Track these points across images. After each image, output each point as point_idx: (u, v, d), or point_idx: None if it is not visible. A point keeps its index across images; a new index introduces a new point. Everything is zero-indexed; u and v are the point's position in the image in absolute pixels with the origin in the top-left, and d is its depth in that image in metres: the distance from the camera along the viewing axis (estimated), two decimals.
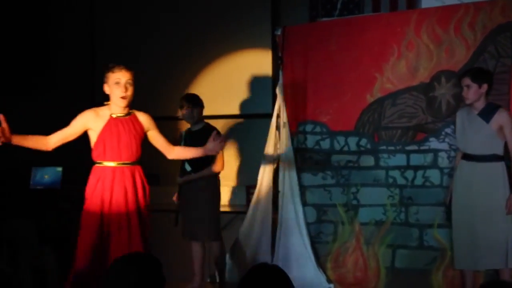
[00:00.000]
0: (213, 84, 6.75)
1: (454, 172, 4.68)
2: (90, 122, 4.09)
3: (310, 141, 5.47)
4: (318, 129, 5.47)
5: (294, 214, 5.36)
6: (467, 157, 4.55)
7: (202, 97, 5.37)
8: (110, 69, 4.10)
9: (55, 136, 4.07)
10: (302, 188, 5.43)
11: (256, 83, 6.66)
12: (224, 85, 6.76)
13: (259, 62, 6.61)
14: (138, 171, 4.17)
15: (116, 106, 4.12)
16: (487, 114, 4.50)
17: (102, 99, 4.20)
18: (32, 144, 3.99)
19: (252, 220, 5.48)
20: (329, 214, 5.34)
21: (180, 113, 5.35)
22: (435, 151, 4.96)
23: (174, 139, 4.96)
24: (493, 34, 4.90)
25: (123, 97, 4.07)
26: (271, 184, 5.50)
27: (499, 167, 4.47)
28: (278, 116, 5.55)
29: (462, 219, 4.53)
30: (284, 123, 5.52)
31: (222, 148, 4.50)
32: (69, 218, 5.44)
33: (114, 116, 4.11)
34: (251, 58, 6.66)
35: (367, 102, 5.30)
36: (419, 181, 5.06)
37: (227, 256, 5.46)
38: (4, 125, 3.77)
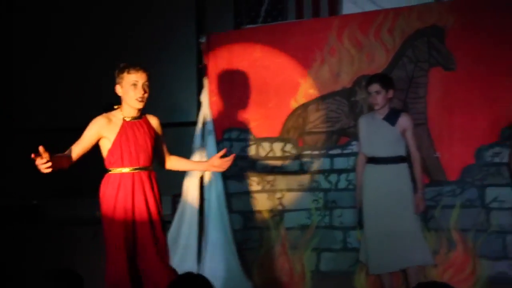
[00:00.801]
0: None
1: (362, 177, 4.74)
2: (103, 130, 3.89)
3: (236, 148, 5.45)
4: (243, 136, 5.47)
5: (220, 221, 5.33)
6: (374, 160, 4.68)
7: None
8: (124, 69, 3.91)
9: (74, 152, 3.84)
10: (228, 195, 5.40)
11: (180, 91, 6.63)
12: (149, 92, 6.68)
13: (183, 69, 6.58)
14: (154, 176, 4.01)
15: (132, 108, 3.93)
16: (391, 118, 4.65)
17: None
18: (65, 164, 3.77)
19: (178, 228, 5.42)
20: (255, 221, 5.34)
21: None
22: (358, 154, 5.00)
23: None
24: (411, 39, 5.02)
25: (141, 100, 3.90)
26: (197, 192, 5.46)
27: (405, 168, 4.63)
28: (203, 123, 5.53)
29: (375, 222, 4.63)
30: (210, 130, 5.50)
31: (228, 167, 4.22)
32: None
33: (127, 119, 3.94)
34: (176, 66, 6.63)
35: (291, 107, 5.34)
36: (342, 184, 5.12)
37: None
38: (46, 154, 3.50)
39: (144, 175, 3.93)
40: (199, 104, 5.70)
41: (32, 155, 3.46)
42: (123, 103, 3.97)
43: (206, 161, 4.22)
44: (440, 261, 4.77)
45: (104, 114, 3.96)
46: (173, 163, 4.25)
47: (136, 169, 3.91)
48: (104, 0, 6.95)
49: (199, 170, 4.25)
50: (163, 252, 3.95)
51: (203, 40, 5.62)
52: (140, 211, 3.90)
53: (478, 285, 4.67)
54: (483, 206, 4.71)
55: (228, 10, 6.51)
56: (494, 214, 4.67)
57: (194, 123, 5.62)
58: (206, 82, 5.60)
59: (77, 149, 3.87)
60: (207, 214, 5.40)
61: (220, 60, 5.56)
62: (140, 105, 3.94)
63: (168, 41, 6.62)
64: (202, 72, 5.68)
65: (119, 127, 3.91)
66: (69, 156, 3.82)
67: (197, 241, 5.39)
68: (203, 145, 5.49)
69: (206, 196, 5.42)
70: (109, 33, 6.84)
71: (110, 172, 3.94)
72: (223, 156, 4.15)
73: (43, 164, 3.49)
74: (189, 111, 6.40)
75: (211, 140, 5.47)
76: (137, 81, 3.89)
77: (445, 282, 2.74)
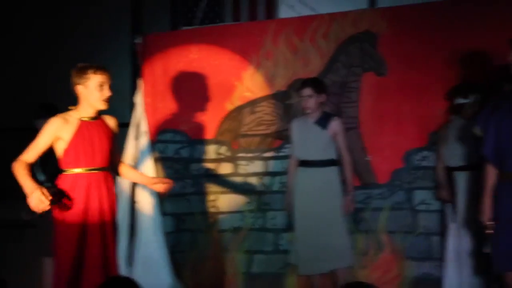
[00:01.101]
0: (71, 92, 6.54)
1: (294, 180, 4.79)
2: (59, 131, 3.85)
3: (170, 150, 5.42)
4: (178, 137, 5.44)
5: (152, 224, 5.26)
6: (305, 163, 4.73)
7: (59, 106, 5.19)
8: (88, 69, 3.89)
9: (29, 156, 3.83)
10: (161, 198, 5.33)
11: (114, 92, 6.52)
12: None
13: (118, 70, 6.46)
14: (110, 178, 3.98)
15: (91, 109, 3.90)
16: (323, 122, 4.72)
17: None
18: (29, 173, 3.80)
19: None
20: (187, 223, 5.31)
21: (36, 124, 5.14)
22: None
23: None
24: (345, 44, 5.09)
25: (107, 101, 3.90)
26: (129, 194, 5.38)
27: (335, 171, 4.71)
28: (137, 125, 5.46)
29: (305, 224, 4.68)
30: (144, 132, 5.44)
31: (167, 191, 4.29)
32: None
33: (84, 119, 3.90)
34: (110, 66, 6.50)
35: (226, 110, 5.34)
36: (276, 186, 5.14)
37: None
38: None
39: (100, 176, 3.90)
40: (133, 105, 5.64)
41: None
42: (83, 103, 3.93)
43: (150, 178, 4.35)
44: (368, 262, 4.86)
45: (59, 115, 3.92)
46: (124, 170, 4.24)
47: (91, 169, 3.88)
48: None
49: (142, 183, 4.28)
50: (110, 258, 3.90)
51: (138, 40, 5.55)
52: (94, 212, 3.86)
53: (404, 286, 4.77)
54: (411, 209, 4.82)
55: (164, 11, 6.46)
56: (421, 216, 4.79)
57: (128, 125, 5.54)
58: (140, 83, 5.54)
59: (33, 153, 3.85)
60: (139, 216, 5.32)
61: (156, 61, 5.51)
62: (105, 106, 3.93)
63: (103, 41, 6.52)
64: (136, 73, 5.62)
65: (76, 127, 3.87)
66: (27, 165, 3.81)
67: (128, 244, 5.32)
68: (136, 147, 5.42)
69: (137, 198, 5.36)
70: (41, 33, 6.70)
71: (64, 173, 3.90)
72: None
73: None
74: (122, 112, 6.27)
75: (144, 142, 5.41)
76: (103, 82, 3.90)
77: (370, 283, 2.79)
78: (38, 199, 3.60)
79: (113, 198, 3.99)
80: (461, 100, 4.48)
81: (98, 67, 3.92)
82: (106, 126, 4.01)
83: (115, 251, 3.97)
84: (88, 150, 3.87)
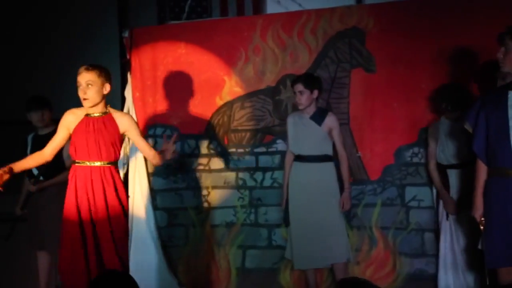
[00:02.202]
0: (61, 86, 6.50)
1: (289, 175, 4.84)
2: (70, 124, 4.17)
3: (160, 145, 5.38)
4: (168, 132, 5.43)
5: (145, 219, 5.31)
6: (301, 158, 4.77)
7: (50, 99, 5.19)
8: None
9: (49, 147, 4.22)
10: (153, 192, 5.38)
11: None
12: (72, 87, 6.52)
13: (107, 64, 6.44)
14: (110, 172, 4.14)
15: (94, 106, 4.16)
16: (318, 117, 4.75)
17: None
18: (31, 163, 4.26)
19: None
20: (180, 218, 5.34)
21: (28, 117, 5.13)
22: (283, 153, 5.08)
23: (17, 145, 4.74)
24: (333, 40, 5.13)
25: (84, 99, 4.11)
26: None
27: (331, 167, 4.75)
28: None
29: (301, 219, 4.71)
30: None
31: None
32: None
33: (89, 115, 4.17)
34: (99, 60, 6.46)
35: (216, 105, 5.36)
36: (267, 182, 5.20)
37: None
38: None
39: (96, 170, 4.11)
40: (123, 100, 5.63)
41: None
42: None
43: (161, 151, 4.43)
44: (362, 258, 4.94)
45: (72, 110, 4.24)
46: (153, 158, 4.41)
47: (90, 163, 4.12)
48: None
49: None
50: (105, 251, 4.07)
51: (125, 34, 5.53)
52: (84, 204, 4.09)
53: (398, 282, 4.86)
54: (403, 205, 4.90)
55: (151, 5, 6.43)
56: (413, 212, 4.87)
57: None
58: (129, 77, 5.54)
59: (52, 144, 4.21)
60: (132, 211, 5.34)
61: (144, 55, 5.50)
62: (86, 104, 4.14)
63: (91, 35, 6.47)
64: (126, 67, 5.60)
65: (78, 122, 4.16)
66: (42, 154, 4.20)
67: None
68: (127, 141, 5.42)
69: (130, 193, 5.36)
70: (28, 27, 6.63)
71: (73, 164, 4.20)
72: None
73: None
74: (113, 106, 6.27)
75: None
76: (79, 82, 4.14)
77: (364, 278, 2.87)
78: None
79: (112, 192, 4.13)
80: (444, 104, 4.53)
81: (79, 69, 4.18)
82: (111, 122, 4.19)
83: (110, 244, 4.07)
84: (83, 144, 4.11)
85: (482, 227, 3.68)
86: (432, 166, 4.66)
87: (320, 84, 4.81)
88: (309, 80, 4.76)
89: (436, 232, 4.69)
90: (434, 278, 4.68)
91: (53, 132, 5.04)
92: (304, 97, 4.71)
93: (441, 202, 4.64)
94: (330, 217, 4.68)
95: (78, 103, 4.03)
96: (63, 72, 6.54)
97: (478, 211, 3.72)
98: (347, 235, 4.82)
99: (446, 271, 4.44)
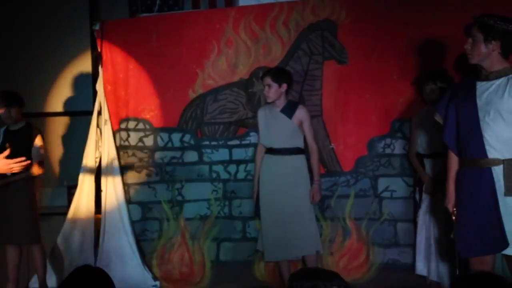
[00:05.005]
0: (32, 80, 6.43)
1: (260, 167, 4.83)
2: None
3: (133, 138, 5.40)
4: (141, 125, 5.43)
5: (118, 213, 5.28)
6: (272, 151, 4.76)
7: (21, 94, 5.12)
8: None
9: None
10: (126, 186, 5.36)
11: (76, 79, 6.44)
12: (44, 81, 6.47)
13: (78, 57, 6.41)
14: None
15: None
16: (289, 110, 4.74)
17: None
18: None
19: (73, 221, 5.32)
20: (154, 211, 5.33)
21: None
22: (256, 145, 5.05)
23: None
24: (306, 32, 5.14)
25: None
26: (93, 184, 5.37)
27: (302, 159, 4.75)
28: (99, 113, 5.43)
29: (271, 211, 4.71)
30: (106, 120, 5.40)
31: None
32: None
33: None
34: (70, 54, 6.43)
35: (189, 98, 5.34)
36: (241, 175, 5.21)
37: (48, 260, 5.24)
38: None
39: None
40: (95, 93, 5.58)
41: None
42: None
43: None
44: (336, 249, 4.98)
45: None
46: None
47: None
48: None
49: None
50: None
51: (96, 27, 5.48)
52: None
53: (371, 272, 4.91)
54: (376, 196, 4.95)
55: None
56: (386, 203, 4.93)
57: (90, 113, 5.50)
58: (100, 70, 5.48)
59: None
60: (104, 205, 5.32)
61: (115, 48, 5.46)
62: None
63: (62, 28, 6.38)
64: (97, 60, 5.55)
65: None
66: None
67: (94, 233, 5.31)
68: (99, 135, 5.39)
69: (102, 187, 5.34)
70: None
71: None
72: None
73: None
74: (85, 100, 6.23)
75: (107, 130, 5.38)
76: None
77: (317, 268, 2.96)
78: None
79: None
80: (431, 86, 4.48)
81: None
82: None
83: None
84: None
85: (454, 217, 3.70)
86: (413, 153, 4.65)
87: (290, 78, 4.80)
88: (277, 73, 4.74)
89: (414, 222, 4.70)
90: (407, 268, 4.74)
91: (25, 127, 5.02)
92: (272, 90, 4.70)
93: (417, 192, 4.64)
94: (300, 210, 4.68)
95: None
96: (34, 65, 6.49)
97: (451, 202, 3.75)
98: (319, 227, 4.84)
99: (422, 259, 4.46)
